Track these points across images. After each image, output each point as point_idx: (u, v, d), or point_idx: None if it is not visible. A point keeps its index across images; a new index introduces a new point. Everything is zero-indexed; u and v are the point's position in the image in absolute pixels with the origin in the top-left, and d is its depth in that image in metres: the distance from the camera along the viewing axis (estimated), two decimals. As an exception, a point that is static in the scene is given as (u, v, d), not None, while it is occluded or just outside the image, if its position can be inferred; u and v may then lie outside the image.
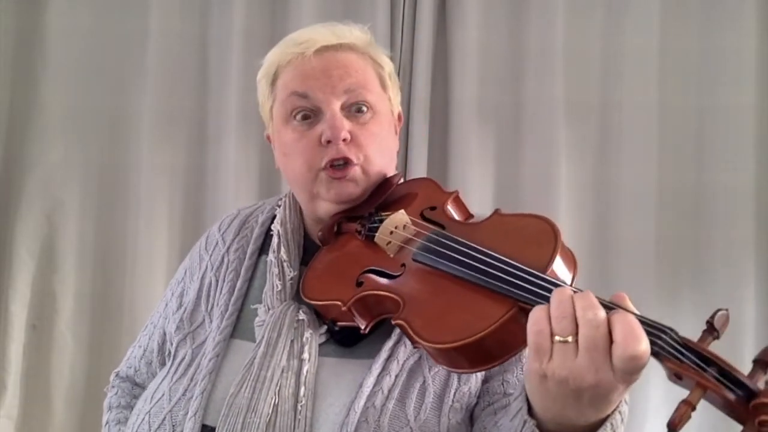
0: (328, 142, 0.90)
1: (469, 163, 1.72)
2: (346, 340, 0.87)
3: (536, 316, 0.64)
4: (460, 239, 0.78)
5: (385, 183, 0.96)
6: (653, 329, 0.61)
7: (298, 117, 0.94)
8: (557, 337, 0.62)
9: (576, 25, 1.72)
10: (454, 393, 0.84)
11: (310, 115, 0.93)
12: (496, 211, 0.85)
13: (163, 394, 0.89)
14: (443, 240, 0.79)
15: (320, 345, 0.87)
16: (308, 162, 0.92)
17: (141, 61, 1.73)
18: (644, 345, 0.59)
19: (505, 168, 1.75)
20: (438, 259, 0.77)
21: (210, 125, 1.77)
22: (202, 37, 1.77)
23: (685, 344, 0.60)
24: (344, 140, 0.90)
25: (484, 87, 1.73)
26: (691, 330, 1.69)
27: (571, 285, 0.71)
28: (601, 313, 0.61)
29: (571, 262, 0.74)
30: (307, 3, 1.73)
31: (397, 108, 1.04)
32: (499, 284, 0.70)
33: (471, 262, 0.74)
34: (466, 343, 0.68)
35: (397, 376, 0.84)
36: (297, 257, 0.97)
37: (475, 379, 0.86)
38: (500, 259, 0.72)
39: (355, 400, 0.80)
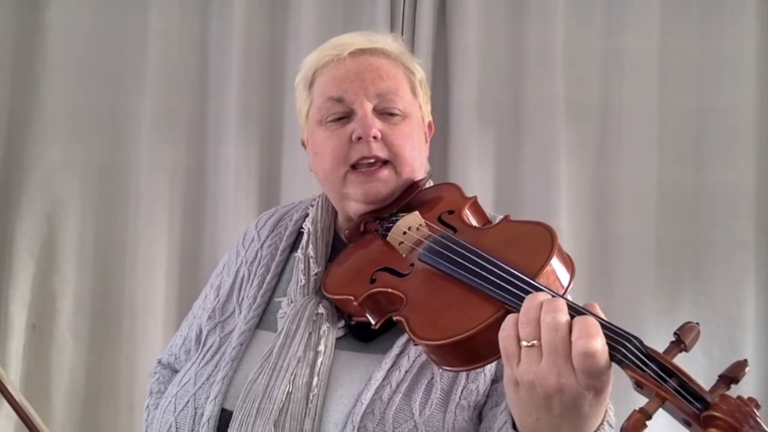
0: (359, 138, 0.93)
1: (470, 162, 1.72)
2: (363, 334, 0.90)
3: (507, 322, 0.66)
4: (462, 242, 0.80)
5: (411, 186, 0.98)
6: (618, 336, 0.62)
7: (332, 119, 0.96)
8: (523, 342, 0.64)
9: (576, 25, 1.73)
10: (462, 390, 0.86)
11: (343, 116, 0.96)
12: (506, 217, 0.88)
13: (189, 379, 0.93)
14: (447, 242, 0.81)
15: (338, 339, 0.90)
16: (338, 159, 0.95)
17: (141, 61, 1.73)
18: (597, 343, 0.60)
19: (505, 168, 1.75)
20: (440, 260, 0.80)
21: (210, 125, 1.77)
22: (202, 37, 1.77)
23: (649, 354, 0.61)
24: (375, 138, 0.93)
25: (484, 87, 1.73)
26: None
27: (566, 290, 0.73)
28: (562, 316, 0.63)
29: (569, 268, 0.75)
30: (307, 3, 1.73)
31: (428, 116, 1.06)
32: (490, 287, 0.72)
33: (468, 264, 0.76)
34: (452, 341, 0.71)
35: (407, 372, 0.86)
36: (324, 255, 1.01)
37: (484, 377, 0.87)
38: (494, 263, 0.74)
39: (363, 391, 0.83)
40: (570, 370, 0.62)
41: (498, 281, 0.71)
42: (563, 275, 0.74)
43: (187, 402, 0.90)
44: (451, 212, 0.92)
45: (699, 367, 1.67)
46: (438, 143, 1.75)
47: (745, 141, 1.68)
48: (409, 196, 0.97)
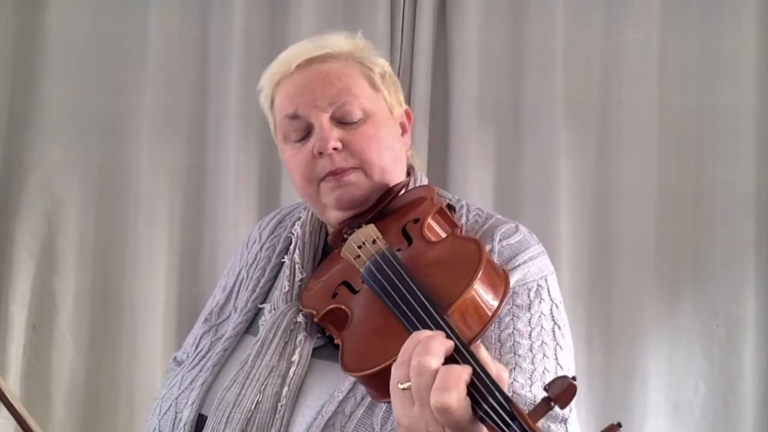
0: (320, 153, 0.91)
1: (469, 163, 1.72)
2: None
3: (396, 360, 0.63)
4: (394, 263, 0.76)
5: (386, 192, 0.95)
6: (485, 390, 0.58)
7: (295, 137, 0.95)
8: (399, 384, 0.61)
9: (576, 24, 1.72)
10: None
11: (305, 133, 0.94)
12: (453, 232, 0.84)
13: (175, 383, 0.93)
14: (381, 262, 0.77)
15: (318, 348, 0.88)
16: (306, 176, 0.94)
17: (141, 61, 1.73)
18: (451, 398, 0.56)
19: (505, 168, 1.75)
20: (371, 281, 0.77)
21: (210, 125, 1.77)
22: (202, 37, 1.77)
23: (513, 415, 0.56)
24: (335, 149, 0.91)
25: (484, 87, 1.73)
26: (690, 330, 1.68)
27: (495, 313, 0.69)
28: (428, 361, 0.58)
29: (498, 289, 0.70)
30: (307, 3, 1.73)
31: (400, 106, 1.02)
32: (403, 319, 0.69)
33: (389, 289, 0.72)
34: (368, 374, 0.68)
35: None
36: (311, 260, 0.98)
37: None
38: (411, 289, 0.70)
39: (326, 403, 0.81)
40: (436, 420, 0.58)
41: (408, 311, 0.68)
42: (490, 297, 0.69)
43: (170, 406, 0.90)
44: (416, 221, 0.86)
45: (699, 368, 1.66)
46: (438, 143, 1.75)
47: (746, 141, 1.68)
48: (383, 202, 0.94)
